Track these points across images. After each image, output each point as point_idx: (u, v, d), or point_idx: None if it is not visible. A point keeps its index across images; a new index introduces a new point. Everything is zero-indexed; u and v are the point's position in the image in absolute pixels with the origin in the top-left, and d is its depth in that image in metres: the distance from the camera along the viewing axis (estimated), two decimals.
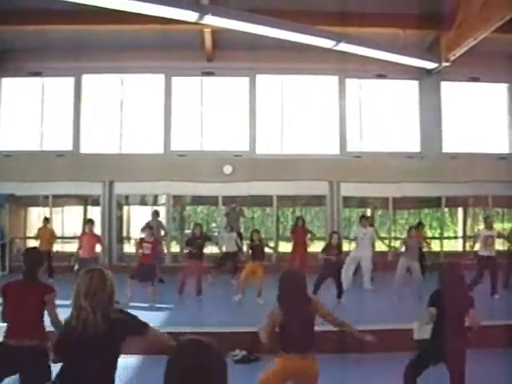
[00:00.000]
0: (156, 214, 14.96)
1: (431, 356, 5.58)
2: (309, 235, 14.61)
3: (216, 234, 16.77)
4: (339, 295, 11.35)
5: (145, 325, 3.80)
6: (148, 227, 12.19)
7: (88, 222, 12.67)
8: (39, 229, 15.09)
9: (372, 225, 14.68)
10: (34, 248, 6.08)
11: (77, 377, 3.60)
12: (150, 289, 11.23)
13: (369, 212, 18.55)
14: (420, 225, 15.04)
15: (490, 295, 11.65)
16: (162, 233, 14.86)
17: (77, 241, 13.06)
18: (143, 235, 12.15)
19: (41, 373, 4.73)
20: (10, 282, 5.15)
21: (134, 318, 3.84)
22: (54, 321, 4.88)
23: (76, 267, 11.79)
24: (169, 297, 11.89)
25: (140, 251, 11.62)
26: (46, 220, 15.27)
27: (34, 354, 4.78)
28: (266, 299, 10.93)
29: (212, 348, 2.18)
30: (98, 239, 12.58)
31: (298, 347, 4.83)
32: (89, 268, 3.91)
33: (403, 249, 12.49)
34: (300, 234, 14.50)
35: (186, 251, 13.18)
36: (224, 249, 14.32)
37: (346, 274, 12.81)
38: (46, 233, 14.86)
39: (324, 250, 11.71)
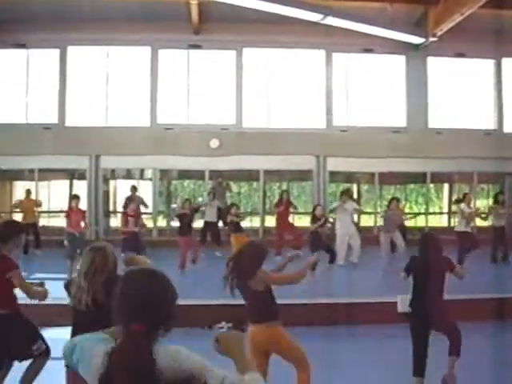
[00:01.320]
0: (134, 188, 14.96)
1: (419, 327, 5.63)
2: (291, 209, 14.59)
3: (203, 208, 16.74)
4: (331, 261, 11.46)
5: None
6: (130, 200, 12.22)
7: (74, 198, 12.59)
8: (21, 201, 15.01)
9: (351, 197, 14.53)
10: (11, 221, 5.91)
11: None
12: None
13: (355, 187, 18.63)
14: (394, 199, 14.95)
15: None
16: (143, 208, 14.79)
17: (62, 215, 13.03)
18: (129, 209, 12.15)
19: (21, 336, 4.87)
20: None
21: None
22: (29, 293, 4.92)
23: (65, 243, 11.75)
24: None
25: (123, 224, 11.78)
26: (28, 192, 15.13)
27: (8, 321, 4.86)
28: None
29: (161, 275, 2.21)
30: (83, 215, 12.57)
31: (252, 318, 4.91)
32: (93, 246, 4.14)
33: (382, 222, 12.73)
34: (285, 207, 14.45)
35: (177, 226, 13.08)
36: (206, 218, 14.34)
37: (339, 253, 12.78)
38: (30, 204, 14.77)
39: (311, 222, 11.82)
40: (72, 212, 12.15)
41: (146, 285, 2.13)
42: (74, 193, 15.08)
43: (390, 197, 17.85)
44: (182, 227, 12.39)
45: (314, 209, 12.11)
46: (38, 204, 15.11)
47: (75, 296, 3.98)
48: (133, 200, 12.29)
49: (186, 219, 12.44)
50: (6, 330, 4.81)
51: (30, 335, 4.95)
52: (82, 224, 12.32)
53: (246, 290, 5.00)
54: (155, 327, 2.10)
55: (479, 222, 14.39)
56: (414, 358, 5.60)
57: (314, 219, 11.72)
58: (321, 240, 11.50)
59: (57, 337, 4.74)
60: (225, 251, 12.64)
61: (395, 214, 12.74)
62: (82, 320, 3.90)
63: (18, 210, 14.89)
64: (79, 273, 4.02)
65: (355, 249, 13.07)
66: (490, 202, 17.09)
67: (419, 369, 5.54)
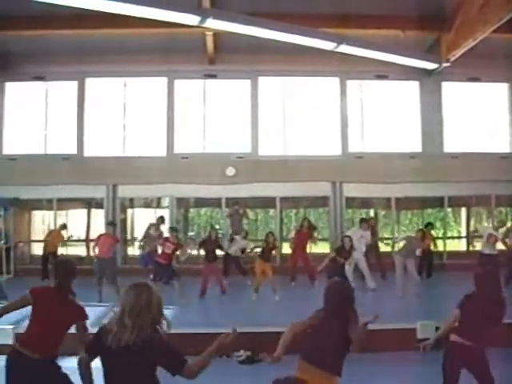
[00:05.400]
0: (162, 220, 15.17)
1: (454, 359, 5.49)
2: (310, 240, 14.85)
3: (220, 236, 16.86)
4: None
5: (183, 362, 3.68)
6: (172, 230, 12.80)
7: (110, 225, 13.22)
8: (51, 231, 15.29)
9: (371, 227, 14.60)
10: (66, 259, 5.64)
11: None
12: (176, 286, 11.64)
13: (372, 213, 18.60)
14: (429, 225, 15.21)
15: None
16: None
17: (80, 244, 13.29)
18: (167, 235, 12.70)
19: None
20: (41, 288, 4.97)
21: (175, 352, 3.72)
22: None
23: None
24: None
25: (160, 248, 12.39)
26: (64, 226, 15.43)
27: (47, 367, 4.69)
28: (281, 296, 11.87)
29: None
30: (114, 240, 12.87)
31: (323, 362, 4.53)
32: (136, 283, 3.78)
33: (401, 244, 12.77)
34: (304, 235, 14.72)
35: (194, 255, 13.46)
36: (230, 251, 14.54)
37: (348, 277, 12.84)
38: (57, 236, 14.99)
39: (337, 253, 11.79)
40: (102, 237, 12.47)
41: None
42: (110, 220, 15.58)
43: (407, 221, 17.96)
44: (207, 254, 12.84)
45: (343, 240, 12.09)
46: (61, 238, 15.27)
47: (116, 334, 3.55)
48: (173, 229, 12.83)
49: (209, 247, 12.89)
50: (41, 379, 4.63)
51: None
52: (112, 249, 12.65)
53: (339, 331, 4.62)
54: None
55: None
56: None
57: (341, 250, 11.70)
58: (337, 270, 11.44)
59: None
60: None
61: (416, 242, 12.75)
62: (117, 363, 3.57)
63: (47, 238, 15.16)
64: (122, 310, 3.61)
65: (365, 272, 13.13)
66: (509, 224, 16.97)
67: None
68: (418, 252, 13.41)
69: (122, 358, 3.54)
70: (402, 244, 13.15)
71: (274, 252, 12.91)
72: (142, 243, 15.29)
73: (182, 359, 3.68)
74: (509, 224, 15.79)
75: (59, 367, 4.80)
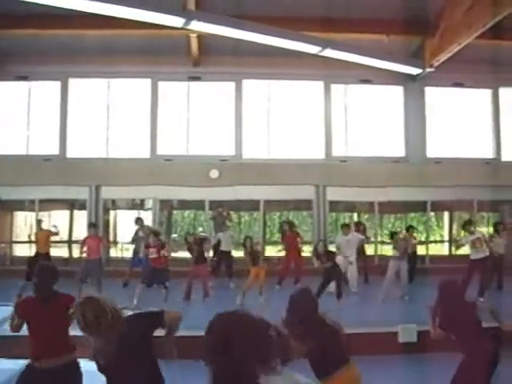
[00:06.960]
0: (140, 221, 15.03)
1: None
2: (299, 239, 14.92)
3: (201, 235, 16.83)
4: (338, 296, 11.41)
5: (161, 313, 3.88)
6: (154, 234, 12.58)
7: (91, 226, 13.10)
8: (36, 233, 15.07)
9: (359, 230, 14.74)
10: (46, 264, 5.35)
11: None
12: (163, 291, 11.59)
13: (355, 216, 18.63)
14: (410, 228, 15.22)
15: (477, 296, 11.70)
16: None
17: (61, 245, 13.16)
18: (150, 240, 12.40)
19: None
20: (23, 300, 4.90)
21: (149, 312, 3.95)
22: None
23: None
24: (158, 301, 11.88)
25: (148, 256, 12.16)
26: (39, 222, 15.04)
27: (70, 372, 4.66)
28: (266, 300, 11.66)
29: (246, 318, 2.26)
30: (100, 241, 12.86)
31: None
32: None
33: (395, 252, 12.82)
34: (291, 238, 14.77)
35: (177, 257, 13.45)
36: (222, 248, 14.55)
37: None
38: (43, 235, 14.77)
39: (317, 259, 11.83)
40: (89, 239, 12.47)
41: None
42: (91, 221, 15.46)
43: (390, 225, 18.01)
44: (194, 257, 12.76)
45: (317, 245, 12.12)
46: (54, 233, 15.03)
47: (101, 350, 3.60)
48: (155, 233, 12.70)
49: (194, 251, 12.79)
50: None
51: None
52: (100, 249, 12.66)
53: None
54: None
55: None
56: None
57: (318, 256, 11.73)
58: (331, 275, 11.50)
59: None
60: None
61: (405, 244, 12.84)
62: (118, 367, 3.57)
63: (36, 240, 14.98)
64: (81, 327, 3.63)
65: (352, 276, 13.19)
66: (491, 229, 17.07)
67: None
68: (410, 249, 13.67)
69: (119, 358, 3.56)
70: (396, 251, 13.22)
71: (259, 255, 12.79)
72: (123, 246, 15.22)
73: (156, 311, 3.91)
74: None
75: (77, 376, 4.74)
